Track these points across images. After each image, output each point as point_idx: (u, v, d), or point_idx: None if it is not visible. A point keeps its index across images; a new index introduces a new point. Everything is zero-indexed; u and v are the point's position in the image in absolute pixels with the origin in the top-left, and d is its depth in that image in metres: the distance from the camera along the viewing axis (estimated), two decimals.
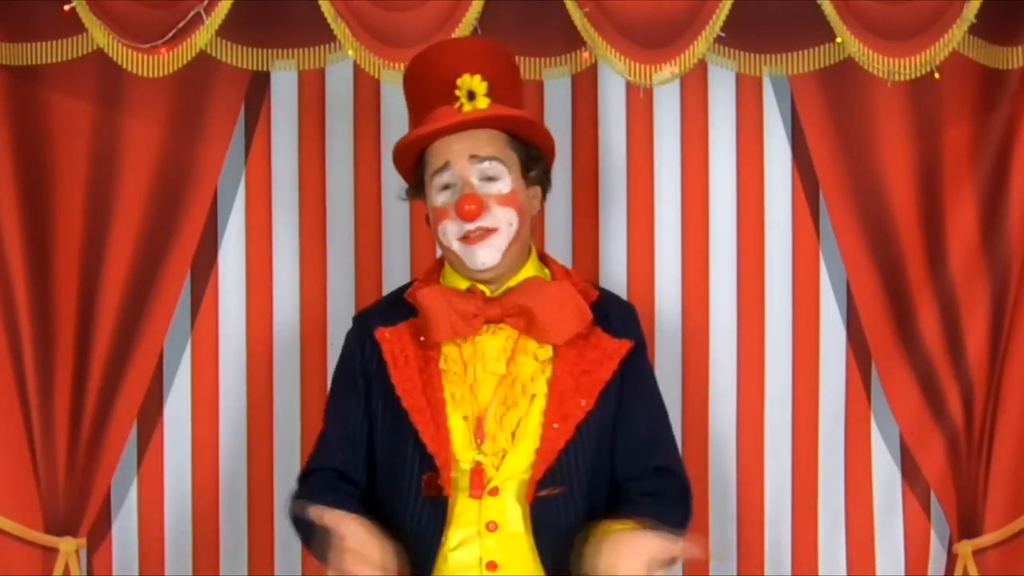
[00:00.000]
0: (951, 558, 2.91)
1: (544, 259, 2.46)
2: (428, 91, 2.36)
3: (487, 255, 2.32)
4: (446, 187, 2.34)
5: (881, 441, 2.98)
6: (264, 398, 3.01)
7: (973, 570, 2.87)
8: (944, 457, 2.90)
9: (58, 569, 2.88)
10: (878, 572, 2.97)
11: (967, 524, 2.88)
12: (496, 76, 2.35)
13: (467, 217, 2.30)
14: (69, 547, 2.89)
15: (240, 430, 3.01)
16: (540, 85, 2.93)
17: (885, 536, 2.98)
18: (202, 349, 3.01)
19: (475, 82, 2.33)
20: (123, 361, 2.88)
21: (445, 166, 2.33)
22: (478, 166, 2.32)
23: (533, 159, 2.39)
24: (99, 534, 2.97)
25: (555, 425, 2.29)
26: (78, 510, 2.90)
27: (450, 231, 2.34)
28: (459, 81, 2.33)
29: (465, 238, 2.32)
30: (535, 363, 2.33)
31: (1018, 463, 2.85)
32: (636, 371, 2.39)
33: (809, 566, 2.98)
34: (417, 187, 2.42)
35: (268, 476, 3.00)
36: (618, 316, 2.42)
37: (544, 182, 2.44)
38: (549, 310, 2.32)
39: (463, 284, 2.38)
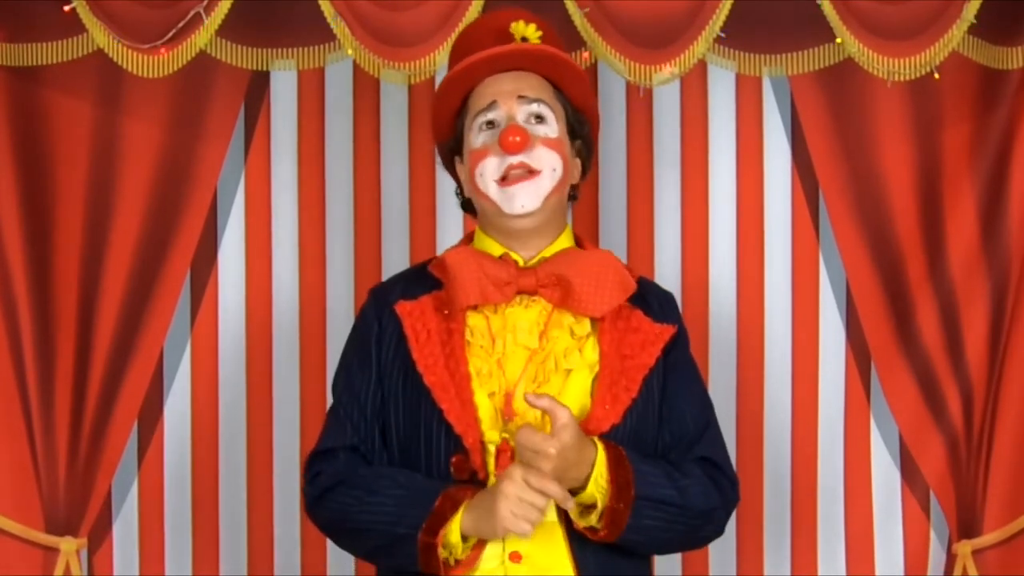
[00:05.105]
0: (950, 558, 2.91)
1: (579, 239, 2.32)
2: (479, 41, 2.25)
3: (527, 198, 2.17)
4: (489, 125, 2.21)
5: (881, 441, 2.98)
6: (264, 398, 3.02)
7: (973, 570, 2.87)
8: (944, 457, 2.90)
9: (59, 569, 2.89)
10: (877, 572, 2.97)
11: (967, 524, 2.89)
12: (550, 36, 2.28)
13: (511, 149, 2.15)
14: (70, 547, 2.89)
15: (240, 430, 3.02)
16: None
17: (884, 536, 2.98)
18: (202, 349, 3.01)
19: (530, 29, 2.24)
20: (123, 361, 2.88)
21: (491, 105, 2.20)
22: (526, 106, 2.20)
23: (579, 123, 2.27)
24: (100, 534, 2.97)
25: (607, 406, 2.12)
26: (79, 510, 2.90)
27: (488, 170, 2.18)
28: (513, 25, 2.24)
29: (504, 178, 2.17)
30: (570, 339, 2.17)
31: (1018, 463, 2.85)
32: (679, 360, 2.26)
33: (809, 566, 2.98)
34: (451, 148, 2.29)
35: (268, 476, 3.01)
36: (658, 301, 2.28)
37: (585, 155, 2.30)
38: (588, 279, 2.17)
39: (496, 251, 2.24)
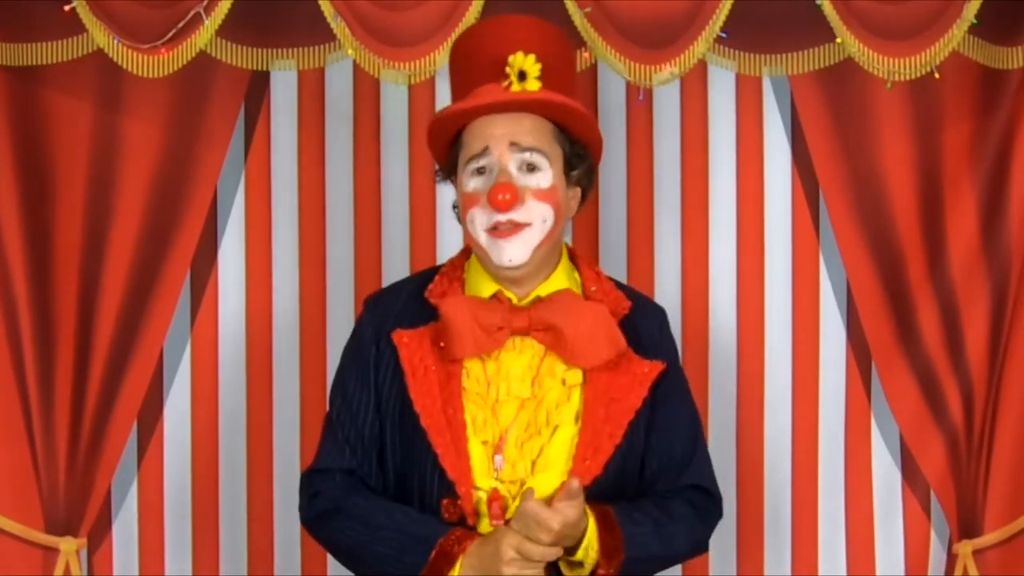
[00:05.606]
0: (951, 558, 2.91)
1: (575, 260, 2.30)
2: (476, 67, 2.19)
3: (516, 252, 2.14)
4: (480, 172, 2.16)
5: (881, 441, 2.98)
6: (264, 398, 3.01)
7: (973, 570, 2.87)
8: (944, 457, 2.90)
9: (58, 569, 2.88)
10: (878, 572, 2.97)
11: (967, 524, 2.89)
12: (551, 60, 2.17)
13: (500, 207, 2.11)
14: (69, 547, 2.89)
15: (240, 430, 3.01)
16: None
17: (885, 536, 2.98)
18: (202, 349, 3.01)
19: (528, 62, 2.14)
20: (123, 361, 2.88)
21: (484, 151, 2.15)
22: (519, 155, 2.15)
23: (578, 156, 2.22)
24: (99, 534, 2.97)
25: (587, 461, 2.14)
26: (78, 510, 2.90)
27: (479, 220, 2.16)
28: (511, 58, 2.14)
29: (494, 229, 2.14)
30: (562, 388, 2.17)
31: (1018, 463, 2.85)
32: (668, 391, 2.25)
33: (809, 566, 2.98)
34: (449, 169, 2.25)
35: (268, 476, 3.00)
36: (648, 331, 2.27)
37: (586, 184, 2.26)
38: (580, 332, 2.16)
39: (488, 287, 2.22)
